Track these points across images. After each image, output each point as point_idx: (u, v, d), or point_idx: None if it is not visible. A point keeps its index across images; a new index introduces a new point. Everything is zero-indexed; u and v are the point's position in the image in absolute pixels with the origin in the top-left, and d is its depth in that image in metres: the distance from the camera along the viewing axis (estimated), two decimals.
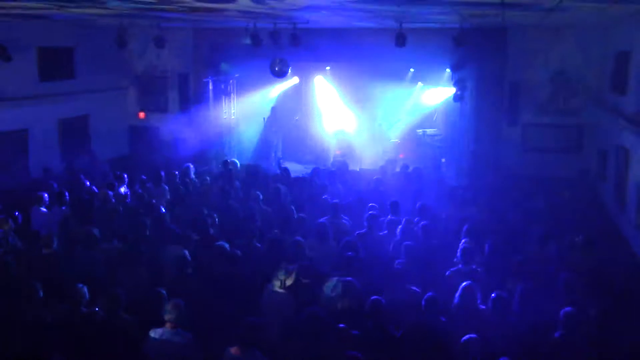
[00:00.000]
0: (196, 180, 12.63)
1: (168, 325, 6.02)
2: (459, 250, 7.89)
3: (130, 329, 6.27)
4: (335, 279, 6.98)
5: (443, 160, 16.37)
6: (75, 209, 10.13)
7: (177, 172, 12.61)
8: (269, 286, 7.02)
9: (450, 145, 16.33)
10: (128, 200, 11.34)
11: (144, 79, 16.54)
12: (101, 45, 15.01)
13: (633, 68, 10.75)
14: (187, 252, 7.68)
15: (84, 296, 6.61)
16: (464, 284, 6.84)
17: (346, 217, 9.82)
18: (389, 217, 9.53)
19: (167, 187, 11.78)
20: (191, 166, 13.17)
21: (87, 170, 13.03)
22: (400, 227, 8.98)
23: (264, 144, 17.45)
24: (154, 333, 6.06)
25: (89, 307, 6.58)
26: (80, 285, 6.67)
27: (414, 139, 17.87)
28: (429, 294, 6.57)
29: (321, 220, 9.18)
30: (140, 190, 11.33)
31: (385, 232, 9.16)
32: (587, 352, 5.94)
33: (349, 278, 6.97)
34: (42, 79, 13.63)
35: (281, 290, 6.93)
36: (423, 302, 6.47)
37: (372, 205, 10.08)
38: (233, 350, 5.60)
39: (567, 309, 6.05)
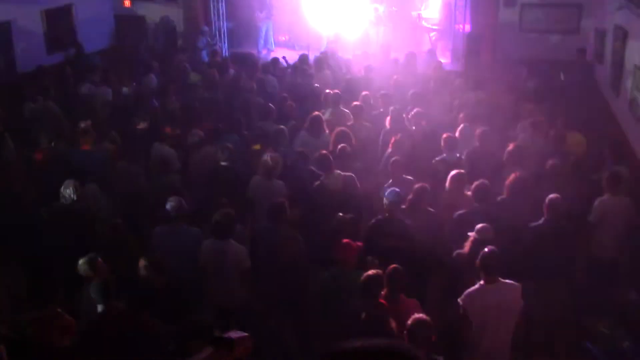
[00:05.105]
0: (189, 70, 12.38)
1: (174, 221, 6.13)
2: (442, 140, 7.89)
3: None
4: (337, 171, 7.06)
5: (439, 44, 16.00)
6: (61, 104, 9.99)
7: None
8: (256, 177, 7.12)
9: (445, 29, 15.88)
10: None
11: None
12: None
13: None
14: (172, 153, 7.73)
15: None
16: (454, 172, 6.93)
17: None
18: (380, 110, 9.46)
19: (154, 78, 11.63)
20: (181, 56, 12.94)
21: (73, 64, 12.76)
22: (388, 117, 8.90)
23: (252, 30, 16.86)
24: (161, 229, 6.18)
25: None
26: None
27: (409, 23, 17.30)
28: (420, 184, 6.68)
29: (316, 112, 8.96)
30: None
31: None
32: (571, 240, 6.11)
33: (349, 173, 7.07)
34: None
35: (266, 179, 7.02)
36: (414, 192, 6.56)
37: (365, 95, 9.92)
38: None
39: (552, 196, 6.14)
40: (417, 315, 4.53)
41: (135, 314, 4.85)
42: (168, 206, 6.10)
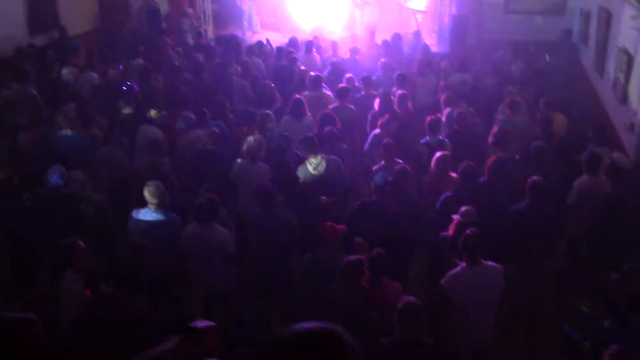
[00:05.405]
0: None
1: (151, 206, 5.97)
2: (426, 123, 7.88)
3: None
4: (319, 155, 7.03)
5: (424, 26, 15.94)
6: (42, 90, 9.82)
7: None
8: (238, 160, 7.11)
9: (431, 10, 15.83)
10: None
11: None
12: None
13: None
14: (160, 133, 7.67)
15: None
16: (438, 154, 6.96)
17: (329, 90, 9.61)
18: (362, 92, 9.43)
19: (141, 62, 11.50)
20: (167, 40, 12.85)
21: (57, 47, 12.58)
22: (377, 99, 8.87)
23: (236, 11, 16.70)
24: (137, 214, 6.03)
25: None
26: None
27: (395, 5, 17.21)
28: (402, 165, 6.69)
29: (297, 95, 8.86)
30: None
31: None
32: (553, 221, 6.15)
33: (334, 156, 7.05)
34: None
35: (249, 162, 7.03)
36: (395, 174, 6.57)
37: (349, 77, 9.91)
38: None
39: (534, 178, 6.17)
40: (407, 298, 4.47)
41: (123, 299, 4.81)
42: (145, 191, 5.95)
